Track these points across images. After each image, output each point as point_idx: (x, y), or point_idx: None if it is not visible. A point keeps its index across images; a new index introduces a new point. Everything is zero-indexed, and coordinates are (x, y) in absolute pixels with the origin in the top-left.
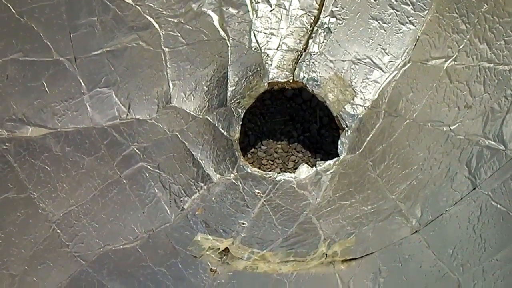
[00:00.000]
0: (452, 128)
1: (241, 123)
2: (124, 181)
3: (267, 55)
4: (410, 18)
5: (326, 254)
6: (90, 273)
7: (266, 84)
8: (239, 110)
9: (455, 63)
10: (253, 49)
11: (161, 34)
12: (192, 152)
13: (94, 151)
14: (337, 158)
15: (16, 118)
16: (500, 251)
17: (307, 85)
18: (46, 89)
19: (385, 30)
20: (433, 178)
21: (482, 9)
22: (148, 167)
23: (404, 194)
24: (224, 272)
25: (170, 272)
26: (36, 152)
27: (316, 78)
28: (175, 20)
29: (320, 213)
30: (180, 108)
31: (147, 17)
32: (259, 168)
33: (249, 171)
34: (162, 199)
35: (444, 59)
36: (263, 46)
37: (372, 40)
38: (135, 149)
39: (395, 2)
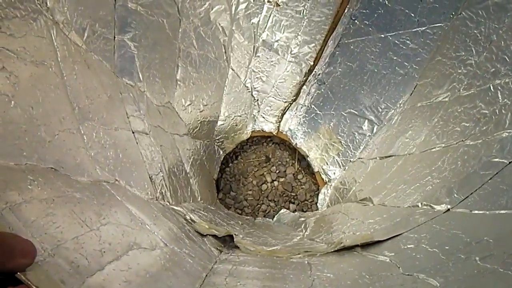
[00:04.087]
0: (467, 142)
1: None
2: None
3: (257, 100)
4: (410, 64)
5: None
6: None
7: (249, 132)
8: (221, 151)
9: (463, 92)
10: (246, 87)
11: (181, 26)
12: (183, 162)
13: None
14: (315, 212)
15: None
16: None
17: (291, 139)
18: None
19: (382, 79)
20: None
21: (488, 43)
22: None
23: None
24: (230, 252)
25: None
26: None
27: (301, 133)
28: (194, 19)
29: (314, 237)
30: (179, 113)
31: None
32: None
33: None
34: None
35: (449, 93)
36: (255, 88)
37: (368, 89)
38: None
39: (395, 49)
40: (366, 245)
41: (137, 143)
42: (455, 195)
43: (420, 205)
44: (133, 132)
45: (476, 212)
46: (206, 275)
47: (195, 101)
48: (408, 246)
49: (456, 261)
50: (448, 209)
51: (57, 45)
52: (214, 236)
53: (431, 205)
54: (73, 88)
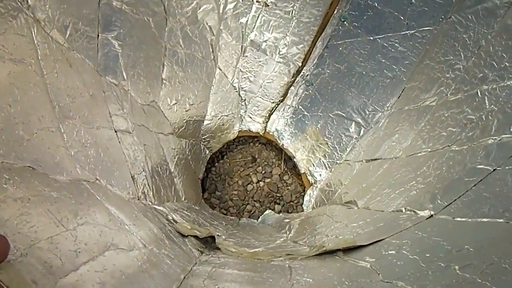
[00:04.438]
0: (453, 147)
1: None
2: None
3: (244, 100)
4: (398, 68)
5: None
6: None
7: (236, 132)
8: (207, 150)
9: (451, 97)
10: (234, 86)
11: (167, 25)
12: (168, 161)
13: None
14: (300, 213)
15: None
16: None
17: (278, 139)
18: None
19: (370, 81)
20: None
21: (477, 48)
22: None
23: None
24: (211, 253)
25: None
26: None
27: (288, 133)
28: (181, 18)
29: (297, 239)
30: (164, 112)
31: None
32: None
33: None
34: None
35: (436, 98)
36: (243, 88)
37: (356, 91)
38: None
39: (384, 51)
40: (348, 250)
41: (119, 142)
42: (439, 201)
43: (403, 210)
44: (115, 131)
45: (459, 219)
46: (185, 277)
47: (181, 100)
48: (390, 252)
49: (436, 270)
50: (431, 215)
51: (38, 43)
52: (196, 237)
53: (415, 210)
54: (54, 87)
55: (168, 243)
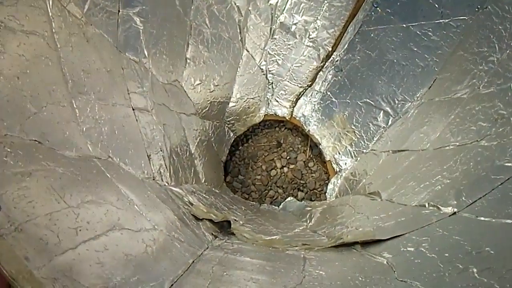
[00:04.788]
0: (482, 143)
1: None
2: None
3: (271, 84)
4: (431, 57)
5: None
6: None
7: (262, 116)
8: (231, 133)
9: (483, 90)
10: (261, 69)
11: (193, 3)
12: (189, 142)
13: None
14: (323, 202)
15: None
16: None
17: (304, 125)
18: None
19: (401, 70)
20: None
21: None
22: None
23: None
24: (225, 238)
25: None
26: None
27: (315, 119)
28: None
29: (316, 228)
30: (187, 92)
31: None
32: None
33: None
34: None
35: (468, 90)
36: (270, 71)
37: (385, 79)
38: None
39: (417, 40)
40: (366, 243)
41: (136, 120)
42: (463, 198)
43: (427, 205)
44: (133, 109)
45: (482, 218)
46: (193, 261)
47: (205, 81)
48: (408, 248)
49: (453, 271)
50: (454, 213)
51: (52, 15)
52: (211, 220)
53: (438, 206)
54: (68, 61)
55: (180, 226)
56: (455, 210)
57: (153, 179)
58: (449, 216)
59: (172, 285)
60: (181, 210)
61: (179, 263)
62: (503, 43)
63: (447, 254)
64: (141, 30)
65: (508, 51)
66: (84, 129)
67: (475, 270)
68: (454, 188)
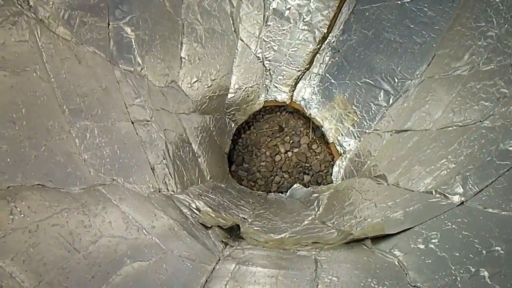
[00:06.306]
0: (485, 123)
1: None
2: None
3: (269, 70)
4: (428, 33)
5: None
6: None
7: (262, 102)
8: (232, 123)
9: (483, 67)
10: (257, 57)
11: (183, 2)
12: (191, 141)
13: None
14: (329, 185)
15: None
16: None
17: (305, 108)
18: None
19: (399, 47)
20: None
21: (511, 15)
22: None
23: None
24: (235, 245)
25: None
26: None
27: (315, 102)
28: None
29: (325, 219)
30: (185, 91)
31: None
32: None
33: (237, 187)
34: None
35: (468, 67)
36: (267, 58)
37: (384, 58)
38: None
39: (413, 16)
40: (376, 238)
41: (137, 133)
42: (470, 185)
43: (434, 192)
44: (132, 122)
45: (490, 210)
46: (206, 280)
47: (202, 77)
48: (418, 245)
49: (465, 274)
50: (462, 202)
51: (42, 45)
52: (220, 226)
53: (445, 194)
54: (62, 89)
55: (190, 242)
56: (462, 199)
57: (159, 191)
58: (457, 206)
59: None
60: (189, 221)
61: (193, 285)
62: (500, 17)
63: (457, 254)
64: (133, 39)
65: (506, 26)
66: (85, 158)
67: (486, 274)
68: (460, 174)
